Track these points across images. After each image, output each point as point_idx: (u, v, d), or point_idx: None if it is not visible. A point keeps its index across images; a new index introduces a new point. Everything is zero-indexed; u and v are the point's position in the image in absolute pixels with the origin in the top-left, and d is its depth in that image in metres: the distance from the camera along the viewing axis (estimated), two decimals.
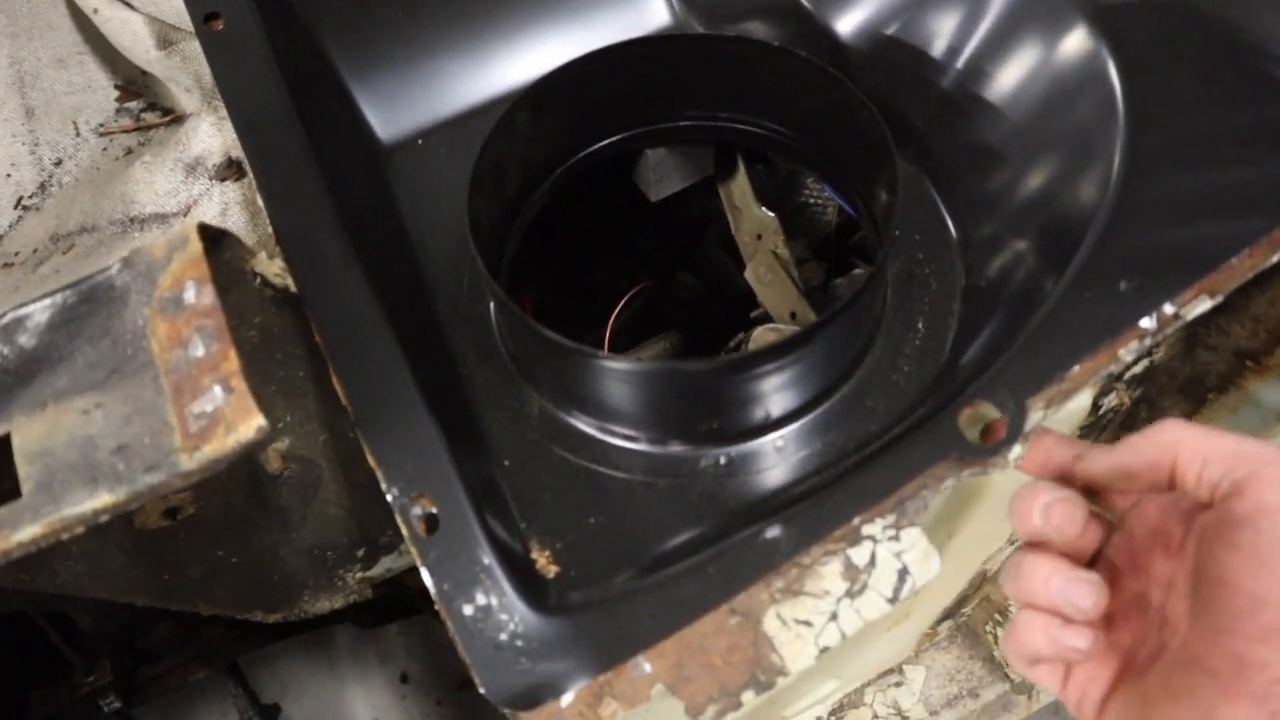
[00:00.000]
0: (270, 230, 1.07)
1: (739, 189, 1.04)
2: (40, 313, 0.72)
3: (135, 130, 1.27)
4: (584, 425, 0.79)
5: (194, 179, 1.07)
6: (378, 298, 0.79)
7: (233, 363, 0.67)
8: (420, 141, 0.97)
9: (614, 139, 0.92)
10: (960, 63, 0.86)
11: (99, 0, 1.16)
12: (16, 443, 0.67)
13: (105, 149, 1.28)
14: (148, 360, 0.69)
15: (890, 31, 0.90)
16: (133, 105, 1.30)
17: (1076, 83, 0.80)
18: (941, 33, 0.87)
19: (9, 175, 1.29)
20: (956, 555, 0.96)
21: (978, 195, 0.85)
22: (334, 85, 0.96)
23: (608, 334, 1.19)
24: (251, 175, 1.07)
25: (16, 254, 1.22)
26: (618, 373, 0.73)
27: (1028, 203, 0.81)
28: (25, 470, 0.65)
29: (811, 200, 1.19)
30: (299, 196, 0.83)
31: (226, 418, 0.65)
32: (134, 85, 1.31)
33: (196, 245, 0.72)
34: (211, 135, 1.08)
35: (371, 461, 0.74)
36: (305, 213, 0.82)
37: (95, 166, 1.26)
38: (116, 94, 1.31)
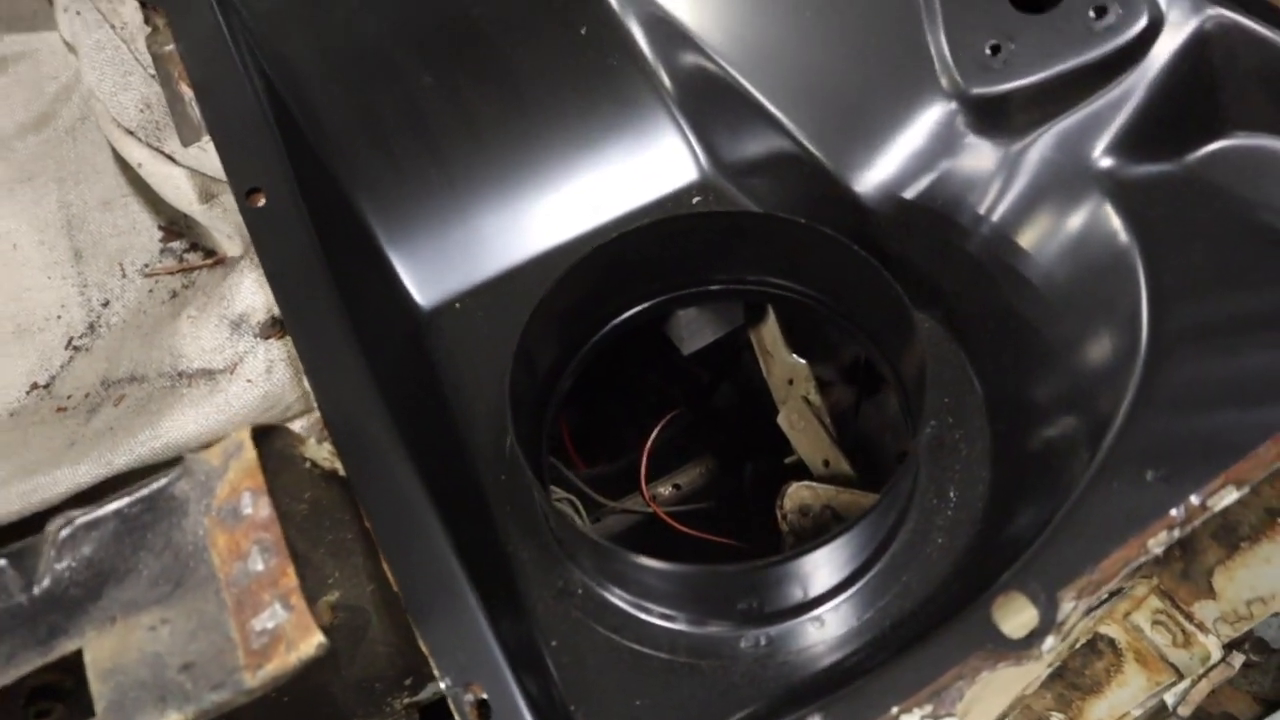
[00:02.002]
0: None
1: (769, 335, 1.07)
2: (104, 521, 0.75)
3: (180, 271, 1.32)
4: (626, 605, 0.81)
5: (239, 336, 1.10)
6: (423, 481, 0.82)
7: (291, 579, 0.70)
8: (458, 305, 1.00)
9: (646, 305, 0.95)
10: (985, 229, 0.89)
11: (143, 155, 1.21)
12: (89, 659, 0.70)
13: (151, 290, 1.32)
14: (209, 573, 0.72)
15: (911, 196, 0.93)
16: (176, 245, 1.35)
17: (1099, 257, 0.82)
18: (963, 199, 0.90)
19: (59, 316, 1.33)
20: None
21: (1005, 359, 0.87)
22: (372, 253, 1.00)
23: (644, 461, 1.22)
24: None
25: (69, 397, 1.26)
26: (660, 572, 0.75)
27: (1054, 371, 0.84)
28: (99, 689, 0.68)
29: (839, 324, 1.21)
30: (344, 381, 0.86)
31: (288, 635, 0.68)
32: (177, 226, 1.35)
33: (251, 453, 0.75)
34: (254, 292, 1.11)
35: (424, 649, 0.77)
36: (351, 398, 0.85)
37: (142, 309, 1.30)
38: (160, 234, 1.35)
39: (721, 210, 0.94)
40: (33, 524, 1.13)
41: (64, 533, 0.75)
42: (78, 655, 0.70)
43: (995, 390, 0.88)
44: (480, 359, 0.96)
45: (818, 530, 0.93)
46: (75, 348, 1.32)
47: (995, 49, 0.86)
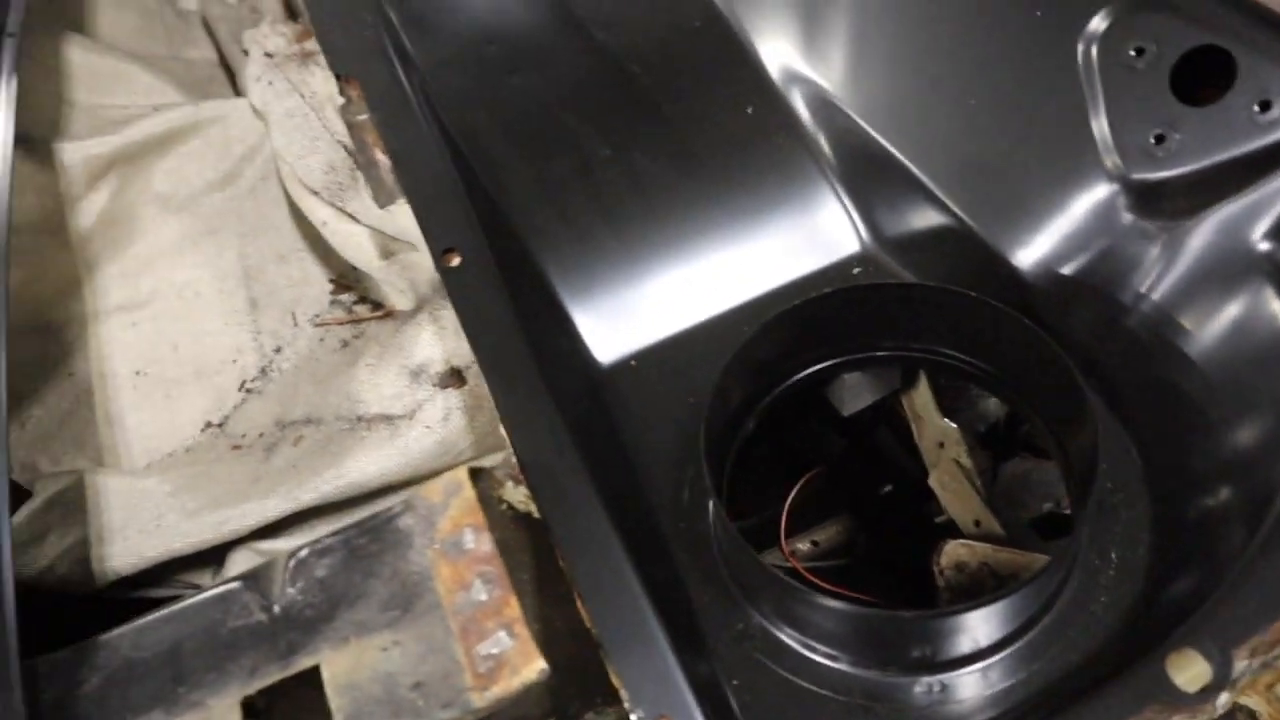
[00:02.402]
0: (486, 431, 1.18)
1: (921, 400, 1.11)
2: (333, 549, 0.82)
3: (349, 322, 1.41)
4: (802, 648, 0.86)
5: (418, 384, 1.18)
6: (614, 523, 0.88)
7: (514, 609, 0.76)
8: (633, 363, 1.07)
9: (820, 366, 1.00)
10: (1145, 306, 0.93)
11: (327, 214, 1.31)
12: (326, 674, 0.76)
13: (322, 339, 1.41)
14: (435, 601, 0.78)
15: (1071, 272, 0.98)
16: (345, 298, 1.44)
17: (1260, 339, 0.86)
18: (1124, 277, 0.95)
19: (234, 360, 1.43)
20: None
21: (1164, 430, 0.91)
22: (556, 311, 1.07)
23: (784, 518, 1.27)
24: (471, 384, 1.19)
25: (243, 435, 1.35)
26: (841, 614, 0.80)
27: (1214, 445, 0.87)
28: (337, 702, 0.75)
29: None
30: (538, 427, 0.92)
31: (512, 661, 0.74)
32: (346, 280, 1.45)
33: (470, 492, 0.82)
34: (433, 344, 1.19)
35: (616, 682, 0.82)
36: (544, 444, 0.91)
37: (313, 356, 1.39)
38: (331, 287, 1.45)
39: (898, 282, 1.00)
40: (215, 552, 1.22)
41: (297, 557, 0.82)
42: (315, 671, 0.77)
43: (1154, 459, 0.92)
44: (655, 416, 1.03)
45: (974, 587, 0.97)
46: (248, 390, 1.41)
47: (1160, 138, 0.92)
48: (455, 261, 1.03)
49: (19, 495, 1.22)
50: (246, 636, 0.79)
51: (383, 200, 1.18)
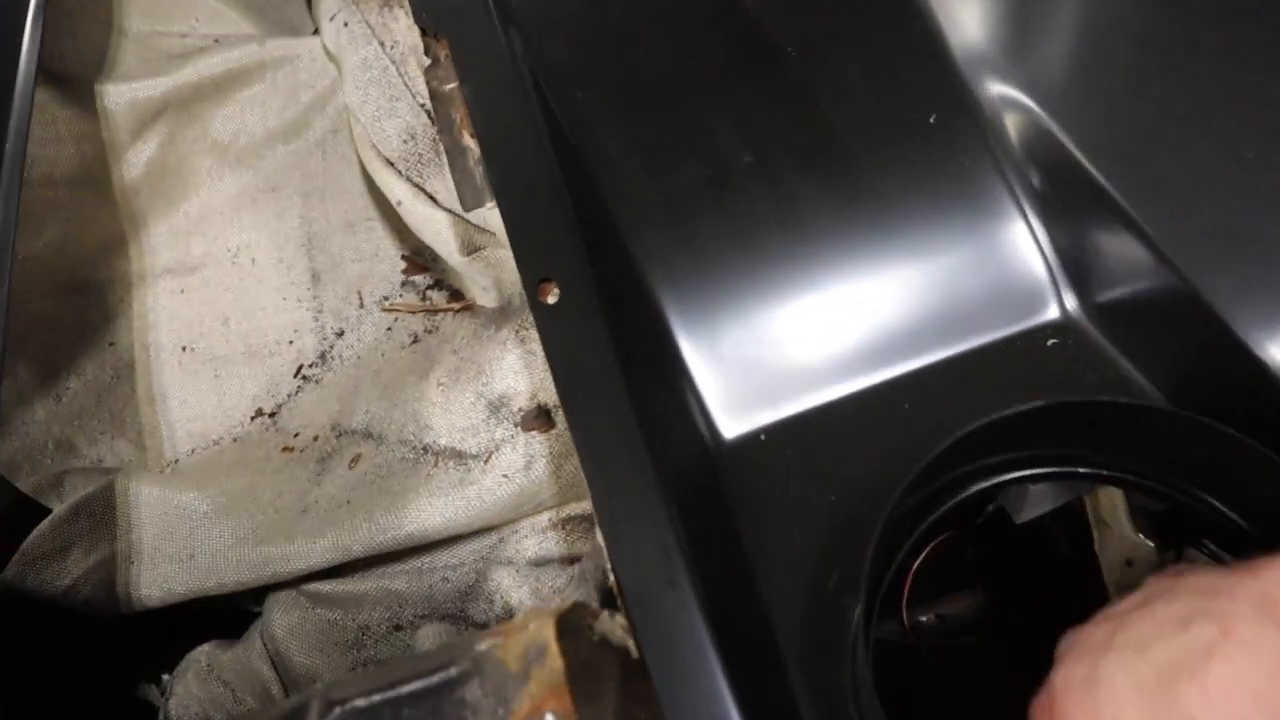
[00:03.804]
0: (574, 481, 0.99)
1: (1108, 502, 0.90)
2: (380, 710, 0.64)
3: (422, 311, 1.21)
4: None
5: (497, 421, 0.99)
6: (725, 669, 0.69)
7: None
8: (763, 437, 0.86)
9: (1003, 479, 0.79)
10: None
11: (403, 191, 1.10)
12: None
13: (389, 329, 1.22)
14: None
15: None
16: (419, 280, 1.24)
17: None
18: None
19: (291, 341, 1.25)
20: None
21: None
22: (673, 365, 0.87)
23: (908, 584, 1.07)
24: (559, 428, 0.99)
25: (296, 435, 1.18)
26: None
27: None
28: None
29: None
30: (644, 537, 0.73)
31: None
32: (421, 259, 1.25)
33: (558, 663, 0.63)
34: (517, 373, 0.99)
35: None
36: (653, 564, 0.72)
37: (379, 348, 1.21)
38: (404, 265, 1.25)
39: (1130, 403, 0.77)
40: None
41: (330, 717, 0.64)
42: None
43: None
44: (788, 505, 0.83)
45: None
46: (305, 377, 1.24)
47: None
48: (552, 298, 0.82)
49: (39, 512, 1.07)
50: None
51: (469, 200, 0.97)
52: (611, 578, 0.74)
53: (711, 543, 0.80)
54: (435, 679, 0.65)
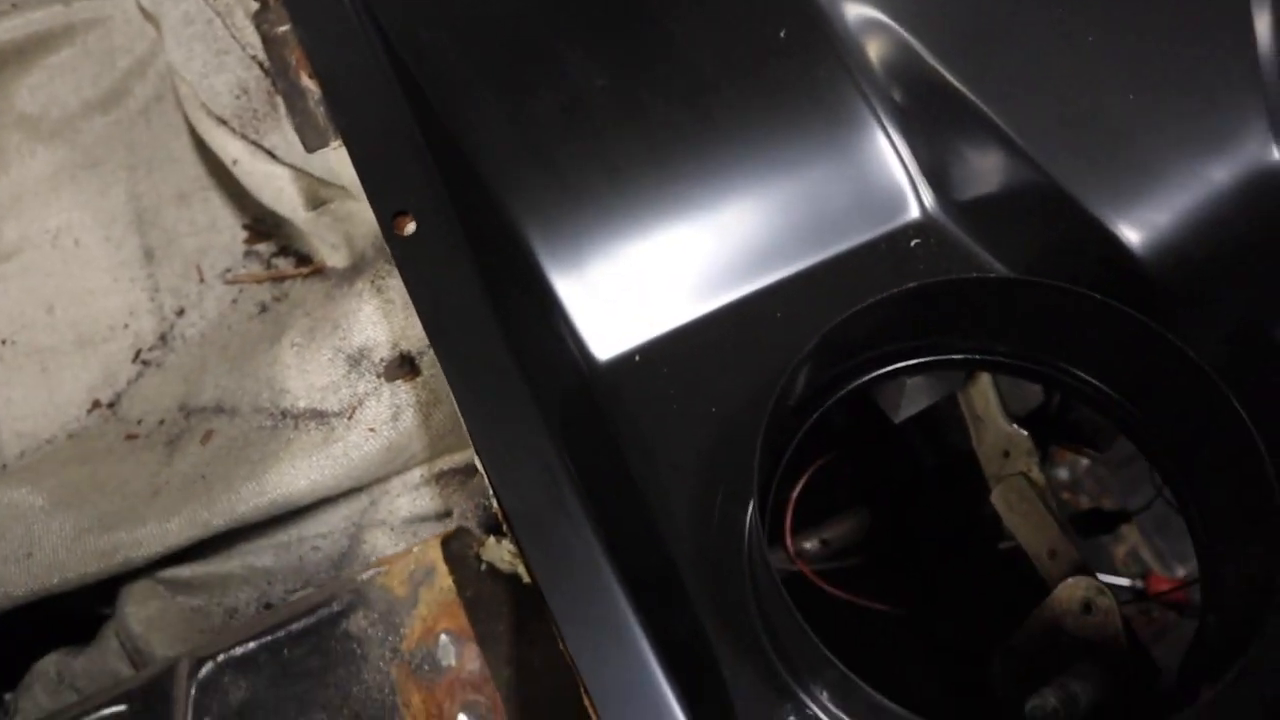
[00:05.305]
0: (445, 429, 0.95)
1: (981, 397, 0.91)
2: (255, 663, 0.59)
3: (267, 280, 1.15)
4: None
5: (358, 374, 0.94)
6: (625, 590, 0.67)
7: None
8: (638, 358, 0.84)
9: (878, 373, 0.79)
10: None
11: (238, 150, 1.04)
12: None
13: (234, 300, 1.15)
14: None
15: (1210, 262, 0.76)
16: (262, 248, 1.18)
17: None
18: None
19: (126, 325, 1.17)
20: None
21: None
22: (541, 293, 0.84)
23: (789, 513, 1.07)
24: (425, 374, 0.95)
25: (139, 422, 1.10)
26: None
27: None
28: None
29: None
30: (524, 461, 0.70)
31: None
32: (263, 225, 1.18)
33: (446, 580, 0.60)
34: (376, 323, 0.95)
35: None
36: (536, 485, 0.69)
37: (224, 323, 1.14)
38: (245, 235, 1.18)
39: (996, 277, 0.77)
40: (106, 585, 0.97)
41: (202, 673, 0.59)
42: None
43: None
44: (669, 421, 0.80)
45: (1077, 641, 0.78)
46: (144, 362, 1.16)
47: None
48: (409, 229, 0.78)
49: None
50: None
51: (312, 142, 0.92)
52: (495, 503, 0.71)
53: (597, 466, 0.77)
54: (315, 616, 0.60)
